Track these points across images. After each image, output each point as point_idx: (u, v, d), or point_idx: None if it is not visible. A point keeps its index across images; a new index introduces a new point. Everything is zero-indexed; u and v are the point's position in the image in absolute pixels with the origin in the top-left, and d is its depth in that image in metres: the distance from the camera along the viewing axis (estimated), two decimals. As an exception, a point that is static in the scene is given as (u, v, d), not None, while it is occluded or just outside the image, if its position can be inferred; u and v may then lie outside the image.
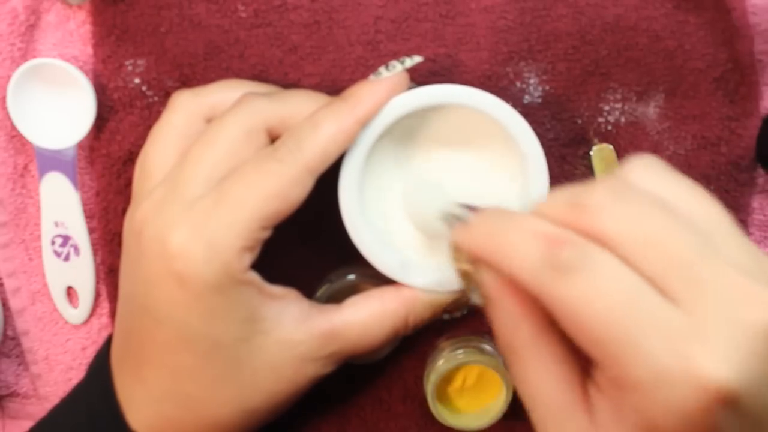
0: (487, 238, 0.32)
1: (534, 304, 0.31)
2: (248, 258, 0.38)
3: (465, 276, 0.35)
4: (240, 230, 0.37)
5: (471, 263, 0.34)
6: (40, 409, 0.48)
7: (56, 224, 0.48)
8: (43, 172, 0.47)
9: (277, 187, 0.37)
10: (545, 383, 0.32)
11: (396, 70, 0.40)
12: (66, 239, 0.48)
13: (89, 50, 0.47)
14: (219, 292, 0.37)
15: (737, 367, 0.27)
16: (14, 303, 0.50)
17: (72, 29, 0.47)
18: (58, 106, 0.47)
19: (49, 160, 0.47)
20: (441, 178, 0.45)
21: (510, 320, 0.32)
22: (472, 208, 0.35)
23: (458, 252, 0.35)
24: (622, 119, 0.46)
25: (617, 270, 0.29)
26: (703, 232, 0.29)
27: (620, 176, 0.32)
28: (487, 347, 0.46)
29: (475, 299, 0.35)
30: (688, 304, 0.28)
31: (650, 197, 0.30)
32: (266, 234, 0.38)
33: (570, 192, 0.31)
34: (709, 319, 0.28)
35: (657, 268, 0.29)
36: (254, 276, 0.39)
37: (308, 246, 0.47)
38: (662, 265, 0.29)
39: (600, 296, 0.28)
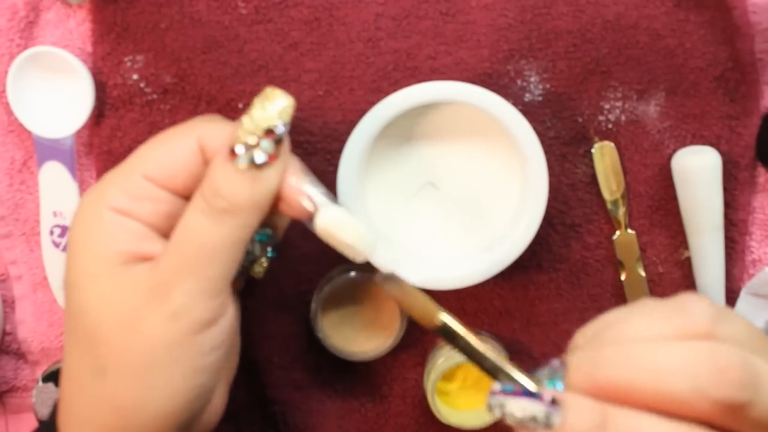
0: (630, 364, 0.30)
1: None
2: (124, 200, 0.36)
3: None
4: (120, 174, 0.36)
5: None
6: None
7: (55, 214, 0.48)
8: (41, 161, 0.47)
9: (159, 139, 0.37)
10: None
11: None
12: (65, 229, 0.48)
13: (89, 48, 0.47)
14: (90, 223, 0.36)
15: None
16: (14, 293, 0.50)
17: (72, 27, 0.47)
18: (57, 94, 0.47)
19: (48, 150, 0.47)
20: (440, 176, 0.45)
21: None
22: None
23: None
24: (623, 118, 0.46)
25: None
26: None
27: None
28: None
29: None
30: None
31: None
32: (151, 189, 0.36)
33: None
34: None
35: None
36: (132, 225, 0.36)
37: (310, 243, 0.47)
38: None
39: None
